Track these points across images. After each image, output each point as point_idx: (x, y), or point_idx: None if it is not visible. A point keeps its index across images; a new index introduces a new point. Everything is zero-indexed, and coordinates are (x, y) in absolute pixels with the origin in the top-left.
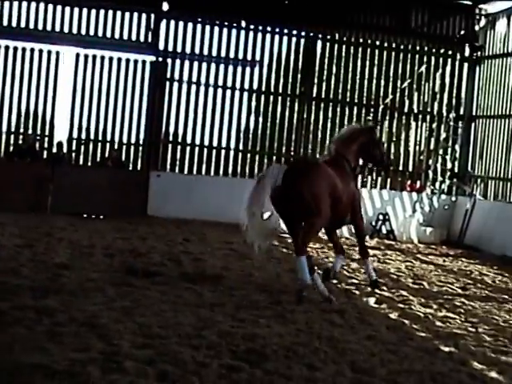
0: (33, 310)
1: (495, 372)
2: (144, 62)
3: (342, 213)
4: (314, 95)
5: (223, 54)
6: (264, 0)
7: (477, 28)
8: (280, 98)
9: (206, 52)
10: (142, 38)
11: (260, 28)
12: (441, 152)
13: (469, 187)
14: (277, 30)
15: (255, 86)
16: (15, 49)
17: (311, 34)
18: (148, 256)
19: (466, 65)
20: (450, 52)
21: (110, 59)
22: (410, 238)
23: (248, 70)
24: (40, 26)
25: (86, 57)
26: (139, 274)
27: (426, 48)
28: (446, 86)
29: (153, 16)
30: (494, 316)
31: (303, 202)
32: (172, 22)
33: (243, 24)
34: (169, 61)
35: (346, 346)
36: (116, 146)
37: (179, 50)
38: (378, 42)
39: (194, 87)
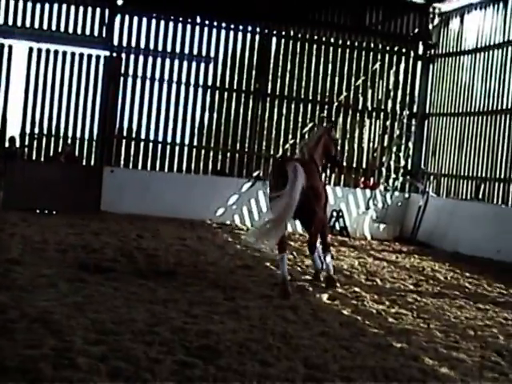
0: None
1: (446, 367)
2: (98, 57)
3: None
4: (269, 92)
5: (178, 49)
6: None
7: (430, 26)
8: (235, 94)
9: (160, 47)
10: (96, 33)
11: (215, 24)
12: (394, 149)
13: (422, 184)
14: (232, 26)
15: (210, 82)
16: None
17: (266, 31)
18: (101, 252)
19: (419, 63)
20: (403, 50)
21: (64, 54)
22: (363, 235)
23: (203, 65)
24: None
25: (39, 51)
26: (92, 270)
27: (380, 46)
28: (399, 84)
29: (107, 11)
30: (445, 312)
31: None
32: (126, 17)
33: (198, 20)
34: (123, 56)
35: (299, 342)
36: (69, 141)
37: (133, 45)
38: (332, 40)
39: (148, 83)
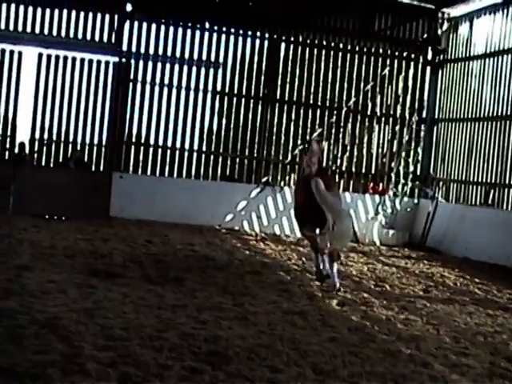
0: None
1: (456, 374)
2: (107, 63)
3: None
4: (278, 97)
5: (187, 55)
6: (228, 1)
7: (439, 32)
8: (243, 99)
9: (169, 53)
10: (105, 39)
11: (224, 29)
12: (403, 155)
13: (431, 190)
14: (240, 31)
15: (219, 88)
16: None
17: (275, 36)
18: (110, 257)
19: (428, 68)
20: (412, 55)
21: (73, 60)
22: (372, 241)
23: (211, 71)
24: (2, 26)
25: (49, 57)
26: (100, 275)
27: (389, 51)
28: (408, 89)
29: (116, 17)
30: (455, 318)
31: None
32: (135, 23)
33: (207, 25)
34: (132, 62)
35: (308, 348)
36: (78, 147)
37: (142, 51)
38: (341, 45)
39: (157, 88)
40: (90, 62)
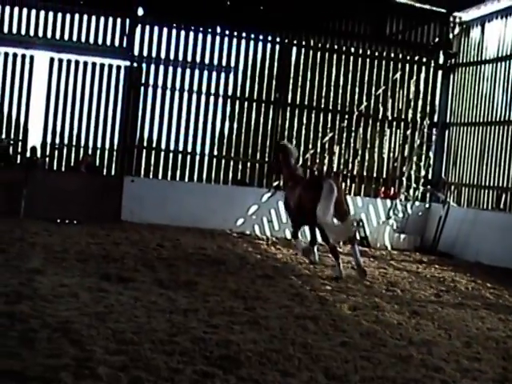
0: (5, 315)
1: (468, 379)
2: (119, 67)
3: None
4: (289, 101)
5: (198, 59)
6: (239, 5)
7: (451, 36)
8: (255, 103)
9: (180, 57)
10: (116, 43)
11: (235, 34)
12: (415, 159)
13: (442, 194)
14: (252, 35)
15: (230, 92)
16: None
17: (286, 40)
18: (122, 261)
19: (440, 72)
20: (424, 59)
21: (85, 64)
22: (383, 245)
23: (223, 75)
24: (14, 31)
25: (61, 61)
26: (112, 279)
27: (400, 55)
28: (420, 93)
29: (128, 21)
30: (466, 323)
31: None
32: (147, 27)
33: (218, 29)
34: (143, 66)
35: (319, 353)
36: (90, 151)
37: (154, 55)
38: (352, 49)
39: (168, 92)
40: (102, 66)
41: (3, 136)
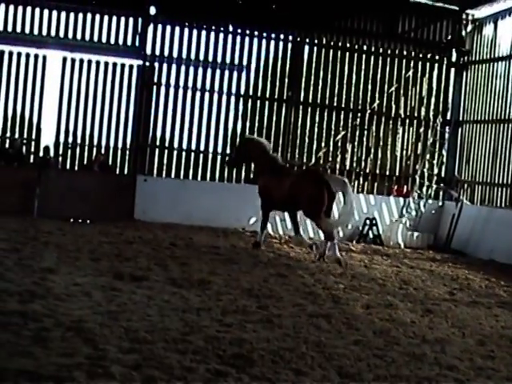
0: (18, 314)
1: (482, 377)
2: (131, 66)
3: None
4: (301, 100)
5: (210, 58)
6: (251, 4)
7: (464, 33)
8: (267, 102)
9: (193, 56)
10: (129, 42)
11: (247, 32)
12: (428, 157)
13: (455, 192)
14: (264, 34)
15: (242, 91)
16: (1, 53)
17: (298, 39)
18: (135, 260)
19: (452, 70)
20: (437, 57)
21: (97, 63)
22: (396, 243)
23: (235, 74)
24: (27, 30)
25: (73, 61)
26: (125, 278)
27: (413, 53)
28: (433, 91)
29: (140, 20)
30: (480, 321)
31: None
32: (159, 26)
33: (231, 28)
34: (156, 65)
35: (332, 351)
36: (103, 151)
37: (166, 54)
38: (365, 47)
39: (181, 91)
40: (114, 65)
41: (16, 136)
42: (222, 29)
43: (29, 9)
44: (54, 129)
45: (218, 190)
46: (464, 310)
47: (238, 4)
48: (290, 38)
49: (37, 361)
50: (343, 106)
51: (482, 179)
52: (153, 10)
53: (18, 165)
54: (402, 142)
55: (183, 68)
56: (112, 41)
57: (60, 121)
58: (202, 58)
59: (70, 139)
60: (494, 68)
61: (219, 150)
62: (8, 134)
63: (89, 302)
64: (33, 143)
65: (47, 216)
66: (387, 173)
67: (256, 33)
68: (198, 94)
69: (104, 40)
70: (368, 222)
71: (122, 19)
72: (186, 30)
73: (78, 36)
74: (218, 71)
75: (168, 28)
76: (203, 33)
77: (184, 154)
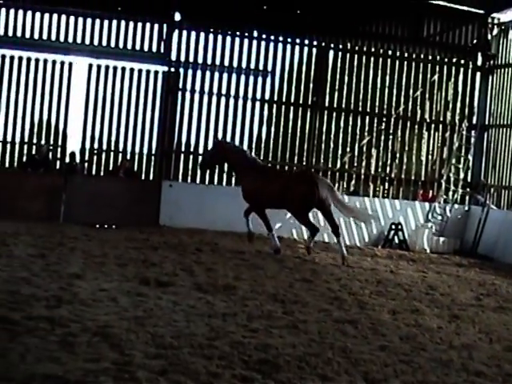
0: (45, 319)
1: (510, 383)
2: (156, 73)
3: None
4: (326, 105)
5: (235, 63)
6: (276, 10)
7: (489, 37)
8: (292, 107)
9: (218, 62)
10: (154, 48)
11: (272, 38)
12: (453, 161)
13: (482, 196)
14: (289, 39)
15: (267, 96)
16: (29, 59)
17: (323, 44)
18: (160, 266)
19: (478, 74)
20: (462, 61)
21: (123, 69)
22: (422, 248)
23: (260, 79)
24: (53, 37)
25: (99, 67)
26: (151, 284)
27: (438, 57)
28: (458, 95)
29: (165, 26)
30: (507, 327)
31: None
32: (184, 32)
33: (255, 34)
34: (181, 71)
35: (358, 357)
36: (128, 156)
37: (191, 59)
38: (390, 52)
39: (205, 97)
40: (140, 71)
41: (43, 142)
42: (246, 34)
43: (55, 16)
44: (80, 135)
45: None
46: (491, 316)
47: (262, 9)
48: (315, 43)
49: (64, 366)
50: (368, 110)
51: (509, 183)
52: (178, 17)
53: (45, 171)
54: (428, 147)
55: (208, 74)
56: (137, 47)
57: (86, 127)
58: (226, 63)
59: (96, 145)
60: None
61: None
62: (35, 141)
63: (115, 307)
64: (59, 149)
65: (73, 222)
66: (413, 178)
67: (280, 38)
68: (223, 99)
69: (129, 46)
70: (393, 227)
71: (147, 25)
72: (211, 36)
73: (104, 42)
74: (242, 77)
75: (193, 34)
76: (228, 38)
77: None
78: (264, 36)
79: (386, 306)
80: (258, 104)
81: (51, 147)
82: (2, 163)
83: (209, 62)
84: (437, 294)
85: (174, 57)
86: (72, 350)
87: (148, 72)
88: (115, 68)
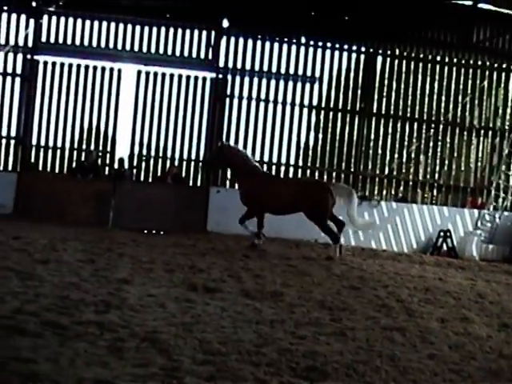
0: (94, 324)
1: None
2: (204, 79)
3: None
4: (374, 111)
5: (283, 70)
6: (324, 16)
7: None
8: (340, 113)
9: (265, 68)
10: (202, 55)
11: (320, 44)
12: (503, 168)
13: None
14: (337, 45)
15: (315, 102)
16: (78, 66)
17: (371, 50)
18: (208, 272)
19: None
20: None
21: (171, 76)
22: (471, 255)
23: (308, 85)
24: (102, 44)
25: (147, 74)
26: (199, 290)
27: (487, 63)
28: (508, 101)
29: (213, 33)
30: None
31: None
32: (232, 39)
33: (303, 40)
34: (229, 77)
35: (407, 365)
36: (176, 162)
37: (239, 66)
38: (438, 58)
39: (253, 103)
40: (188, 78)
41: (92, 148)
42: (294, 40)
43: (104, 23)
44: (129, 141)
45: None
46: None
47: (310, 15)
48: (363, 49)
49: (112, 371)
50: (416, 116)
51: None
52: (225, 23)
53: (94, 177)
54: (477, 153)
55: (256, 80)
56: (185, 54)
57: (134, 133)
58: (274, 70)
59: (144, 151)
60: None
61: (291, 161)
62: (84, 147)
63: (163, 313)
64: (108, 155)
65: (122, 227)
66: (461, 184)
67: (328, 44)
68: (271, 105)
69: (178, 53)
70: (442, 234)
71: (196, 32)
72: (259, 42)
73: (152, 49)
74: (290, 83)
75: (240, 40)
76: (275, 45)
77: None
78: (312, 42)
79: (435, 314)
80: (305, 110)
81: (100, 153)
82: (52, 169)
83: (256, 68)
84: (486, 302)
85: (221, 63)
86: (120, 355)
87: (196, 78)
88: (163, 75)
